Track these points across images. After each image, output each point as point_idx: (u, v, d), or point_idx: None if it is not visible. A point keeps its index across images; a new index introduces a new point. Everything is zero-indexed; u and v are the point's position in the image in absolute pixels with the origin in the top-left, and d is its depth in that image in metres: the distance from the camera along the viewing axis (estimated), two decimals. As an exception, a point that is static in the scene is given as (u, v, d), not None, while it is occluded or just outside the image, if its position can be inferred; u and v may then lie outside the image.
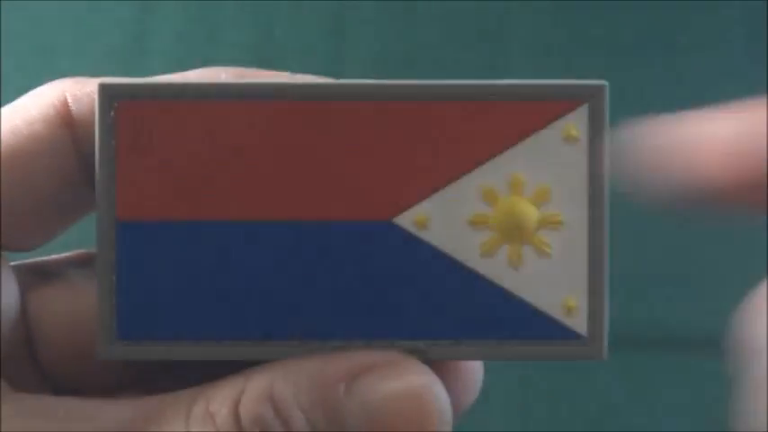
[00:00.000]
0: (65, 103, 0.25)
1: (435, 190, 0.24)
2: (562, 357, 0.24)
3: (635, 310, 0.54)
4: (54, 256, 0.26)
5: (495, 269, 0.24)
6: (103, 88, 0.24)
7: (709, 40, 0.58)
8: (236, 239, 0.24)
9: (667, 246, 0.54)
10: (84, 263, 0.26)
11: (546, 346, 0.24)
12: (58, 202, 0.25)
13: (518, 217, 0.24)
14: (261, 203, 0.24)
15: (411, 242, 0.24)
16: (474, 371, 0.25)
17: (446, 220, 0.24)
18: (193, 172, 0.24)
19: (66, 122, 0.24)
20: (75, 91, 0.25)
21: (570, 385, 0.53)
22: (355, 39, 0.59)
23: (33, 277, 0.26)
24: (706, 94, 0.62)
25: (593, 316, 0.24)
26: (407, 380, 0.23)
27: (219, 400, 0.22)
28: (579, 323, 0.24)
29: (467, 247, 0.24)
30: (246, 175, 0.24)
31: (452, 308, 0.24)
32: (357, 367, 0.23)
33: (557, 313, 0.24)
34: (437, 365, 0.24)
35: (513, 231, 0.24)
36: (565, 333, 0.24)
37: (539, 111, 0.24)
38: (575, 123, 0.24)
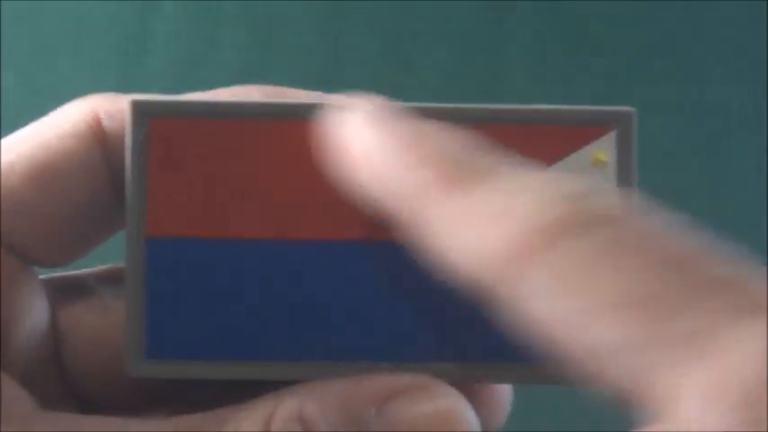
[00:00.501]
0: (97, 119, 0.25)
1: None
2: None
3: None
4: (83, 271, 0.26)
5: None
6: (135, 105, 0.24)
7: (710, 39, 0.58)
8: (264, 258, 0.24)
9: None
10: (112, 278, 0.26)
11: None
12: (88, 219, 0.25)
13: None
14: (290, 222, 0.24)
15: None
16: (502, 394, 0.25)
17: None
18: (222, 189, 0.24)
19: (98, 138, 0.24)
20: (108, 107, 0.25)
21: (569, 385, 0.53)
22: (355, 39, 0.59)
23: (62, 292, 0.26)
24: (706, 95, 0.63)
25: None
26: (438, 403, 0.22)
27: (250, 422, 0.22)
28: None
29: None
30: (276, 194, 0.24)
31: (481, 329, 0.23)
32: (387, 390, 0.22)
33: None
34: (466, 388, 0.23)
35: None
36: None
37: (568, 136, 0.24)
38: (603, 149, 0.24)
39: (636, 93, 0.57)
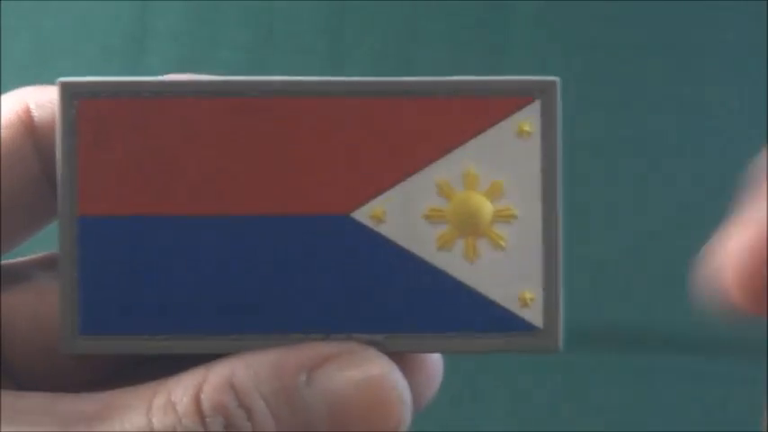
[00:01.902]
0: (26, 110, 0.25)
1: (392, 185, 0.24)
2: (518, 349, 0.24)
3: (632, 310, 0.54)
4: (18, 259, 0.27)
5: (452, 262, 0.24)
6: (64, 86, 0.25)
7: (710, 40, 0.58)
8: (195, 234, 0.25)
9: (666, 246, 0.54)
10: (48, 264, 0.27)
11: (502, 338, 0.24)
12: (22, 208, 0.25)
13: (473, 211, 0.24)
14: (219, 198, 0.25)
15: (368, 236, 0.24)
16: (434, 364, 0.26)
17: (403, 214, 0.24)
18: (153, 168, 0.25)
19: (28, 128, 0.25)
20: (37, 97, 0.25)
21: (569, 385, 0.54)
22: (355, 39, 0.59)
23: None
24: (706, 94, 0.63)
25: (549, 308, 0.24)
26: (366, 368, 0.23)
27: (181, 390, 0.22)
28: (535, 315, 0.24)
29: (423, 241, 0.24)
30: (205, 171, 0.25)
31: (409, 301, 0.24)
32: (317, 357, 0.23)
33: (513, 306, 0.24)
34: (397, 359, 0.24)
35: (469, 225, 0.24)
36: (521, 325, 0.24)
37: (492, 106, 0.25)
38: (528, 119, 0.25)
39: (636, 92, 0.57)
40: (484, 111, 0.25)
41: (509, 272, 0.24)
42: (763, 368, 0.45)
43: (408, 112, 0.25)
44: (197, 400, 0.22)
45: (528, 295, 0.24)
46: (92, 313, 0.25)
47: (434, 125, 0.25)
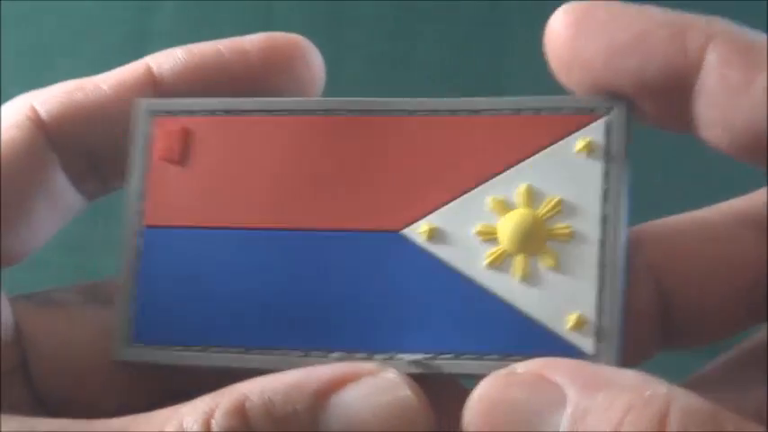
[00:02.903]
0: (32, 108, 0.26)
1: (446, 202, 0.24)
2: None
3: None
4: (49, 288, 0.27)
5: (500, 282, 0.23)
6: (141, 104, 0.26)
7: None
8: (250, 247, 0.25)
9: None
10: (80, 292, 0.27)
11: None
12: (44, 202, 0.26)
13: (525, 228, 0.23)
14: (276, 212, 0.25)
15: (417, 254, 0.24)
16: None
17: (455, 231, 0.24)
18: (219, 182, 0.25)
19: (38, 125, 0.26)
20: (40, 98, 0.26)
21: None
22: (355, 39, 0.59)
23: (27, 304, 0.26)
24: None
25: (601, 333, 0.23)
26: (386, 394, 0.22)
27: (193, 416, 0.22)
28: (585, 340, 0.23)
29: (473, 259, 0.24)
30: (265, 186, 0.25)
31: (454, 321, 0.23)
32: (334, 382, 0.22)
33: (561, 329, 0.23)
34: (433, 390, 0.23)
35: (521, 243, 0.23)
36: (569, 350, 0.23)
37: (556, 124, 0.24)
38: (592, 137, 0.24)
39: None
40: (545, 128, 0.24)
41: (561, 293, 0.23)
42: (764, 367, 0.45)
43: (467, 131, 0.24)
44: (207, 426, 0.22)
45: (579, 319, 0.23)
46: (147, 322, 0.25)
47: (494, 143, 0.24)
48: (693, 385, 0.22)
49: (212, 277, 0.25)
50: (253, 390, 0.22)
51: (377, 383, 0.22)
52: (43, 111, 0.26)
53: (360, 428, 0.22)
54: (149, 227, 0.25)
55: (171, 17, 0.58)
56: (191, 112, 0.25)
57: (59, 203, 0.26)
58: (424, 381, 0.23)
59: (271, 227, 0.25)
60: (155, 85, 0.26)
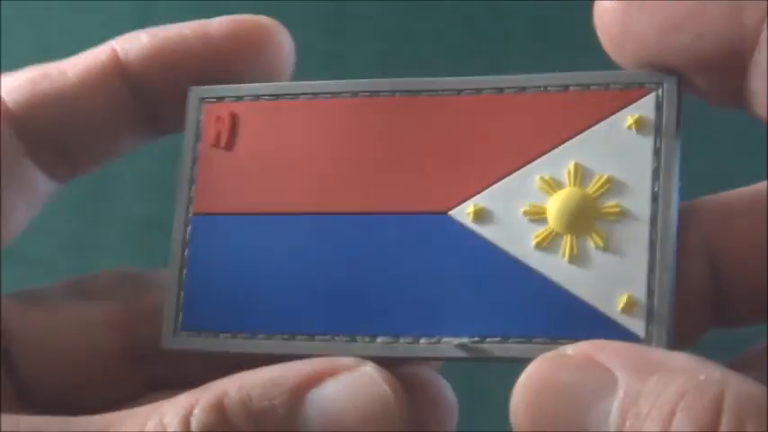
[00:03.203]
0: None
1: (494, 182, 0.24)
2: None
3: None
4: (34, 287, 0.27)
5: (548, 263, 0.23)
6: (192, 91, 0.26)
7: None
8: (295, 233, 0.24)
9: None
10: (63, 287, 0.27)
11: None
12: (12, 193, 0.26)
13: (573, 207, 0.23)
14: (321, 197, 0.24)
15: (464, 235, 0.23)
16: (449, 400, 0.25)
17: (503, 212, 0.23)
18: (266, 167, 0.25)
19: (4, 114, 0.26)
20: (6, 87, 0.26)
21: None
22: (355, 39, 0.59)
23: (11, 300, 0.26)
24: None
25: (652, 316, 0.22)
26: (366, 389, 0.22)
27: (173, 412, 0.22)
28: (636, 323, 0.22)
29: (520, 240, 0.23)
30: (309, 170, 0.25)
31: (502, 304, 0.23)
32: (314, 376, 0.22)
33: (611, 311, 0.22)
34: (410, 387, 0.23)
35: (569, 223, 0.23)
36: (619, 333, 0.22)
37: (604, 99, 0.23)
38: (641, 113, 0.23)
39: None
40: (595, 104, 0.23)
41: (610, 274, 0.22)
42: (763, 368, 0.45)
43: (514, 109, 0.24)
44: (186, 422, 0.22)
45: (629, 300, 0.22)
46: (195, 310, 0.24)
47: (541, 120, 0.23)
48: (740, 367, 0.22)
49: (258, 264, 0.24)
50: (233, 385, 0.22)
51: (354, 378, 0.22)
52: (9, 100, 0.26)
53: (337, 423, 0.22)
54: (196, 214, 0.25)
55: (171, 17, 0.58)
56: (238, 98, 0.25)
57: (30, 191, 0.26)
58: (402, 375, 0.23)
59: (316, 211, 0.24)
60: (120, 70, 0.26)
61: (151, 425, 0.22)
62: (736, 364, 0.24)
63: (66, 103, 0.26)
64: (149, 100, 0.26)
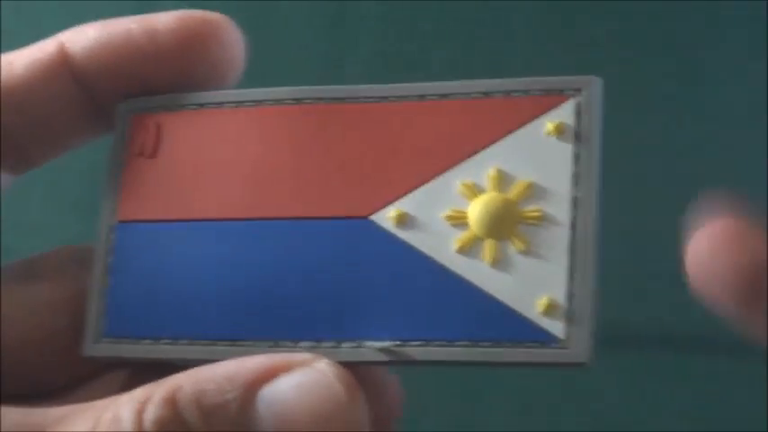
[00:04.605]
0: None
1: (415, 187, 0.24)
2: (537, 362, 0.22)
3: (632, 310, 0.54)
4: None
5: (470, 267, 0.23)
6: (121, 105, 0.26)
7: (710, 39, 0.58)
8: (217, 239, 0.24)
9: (667, 245, 0.54)
10: (12, 269, 0.27)
11: (520, 348, 0.22)
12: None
13: (495, 212, 0.23)
14: (243, 203, 0.25)
15: (387, 240, 0.24)
16: (396, 390, 0.25)
17: (425, 216, 0.24)
18: (186, 175, 0.25)
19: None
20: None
21: (569, 385, 0.54)
22: (355, 39, 0.59)
23: None
24: (706, 94, 0.63)
25: (573, 318, 0.22)
26: (319, 384, 0.22)
27: (128, 406, 0.22)
28: (556, 325, 0.22)
29: (442, 245, 0.23)
30: (231, 177, 0.25)
31: (424, 308, 0.23)
32: (268, 371, 0.22)
33: (532, 314, 0.22)
34: (361, 380, 0.23)
35: (490, 227, 0.23)
36: (540, 335, 0.22)
37: (525, 106, 0.23)
38: (561, 118, 0.23)
39: (637, 91, 0.57)
40: (514, 110, 0.23)
41: (531, 277, 0.23)
42: (763, 368, 0.45)
43: (437, 115, 0.24)
44: (140, 416, 0.22)
45: (550, 303, 0.22)
46: (117, 317, 0.25)
47: (463, 126, 0.24)
48: None
49: (180, 270, 0.24)
50: (188, 380, 0.22)
51: (307, 375, 0.22)
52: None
53: (288, 422, 0.22)
54: (121, 222, 0.25)
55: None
56: (165, 108, 0.25)
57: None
58: (356, 370, 0.22)
59: (237, 217, 0.24)
60: (68, 63, 0.26)
61: (106, 418, 0.22)
62: None
63: (12, 95, 0.26)
64: (99, 94, 0.26)
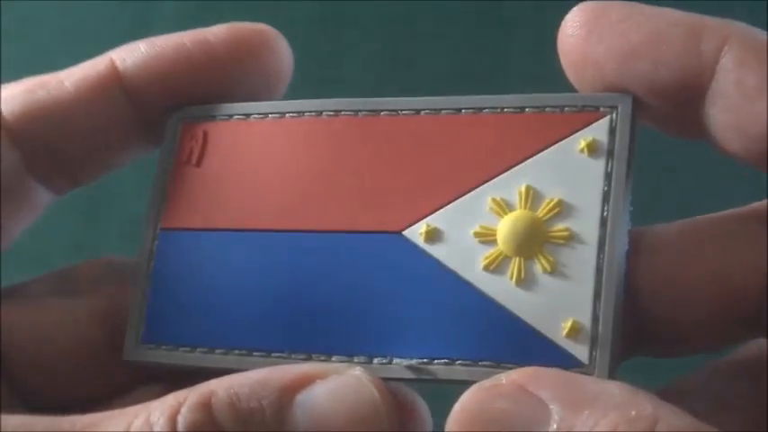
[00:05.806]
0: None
1: (449, 202, 0.24)
2: None
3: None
4: (17, 283, 0.27)
5: (496, 285, 0.23)
6: (171, 111, 0.26)
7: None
8: (255, 249, 0.25)
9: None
10: (47, 282, 0.27)
11: None
12: (8, 204, 0.26)
13: (523, 230, 0.23)
14: (280, 214, 0.25)
15: (417, 255, 0.23)
16: (425, 413, 0.25)
17: (454, 232, 0.23)
18: (228, 185, 0.25)
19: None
20: (2, 96, 0.26)
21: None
22: (355, 39, 0.59)
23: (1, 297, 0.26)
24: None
25: (596, 342, 0.22)
26: (353, 393, 0.22)
27: (160, 411, 0.22)
28: (580, 348, 0.22)
29: (470, 262, 0.23)
30: (270, 188, 0.25)
31: (450, 326, 0.23)
32: (302, 378, 0.22)
33: (556, 336, 0.22)
34: (394, 394, 0.23)
35: (517, 246, 0.23)
36: (563, 358, 0.22)
37: (559, 122, 0.23)
38: (594, 136, 0.23)
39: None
40: (549, 127, 0.23)
41: (556, 298, 0.22)
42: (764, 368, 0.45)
43: (471, 129, 0.24)
44: (173, 421, 0.22)
45: (574, 325, 0.22)
46: (156, 323, 0.25)
47: (497, 141, 0.23)
48: (677, 393, 0.22)
49: (218, 279, 0.25)
50: (221, 385, 0.22)
51: (343, 382, 0.22)
52: (5, 110, 0.26)
53: (325, 425, 0.22)
54: (164, 229, 0.25)
55: (170, 18, 0.58)
56: (213, 117, 0.26)
57: (26, 202, 0.26)
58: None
59: (275, 228, 0.25)
60: (119, 80, 0.26)
61: (138, 423, 0.22)
62: (675, 388, 0.24)
63: (63, 113, 0.26)
64: (148, 110, 0.26)
